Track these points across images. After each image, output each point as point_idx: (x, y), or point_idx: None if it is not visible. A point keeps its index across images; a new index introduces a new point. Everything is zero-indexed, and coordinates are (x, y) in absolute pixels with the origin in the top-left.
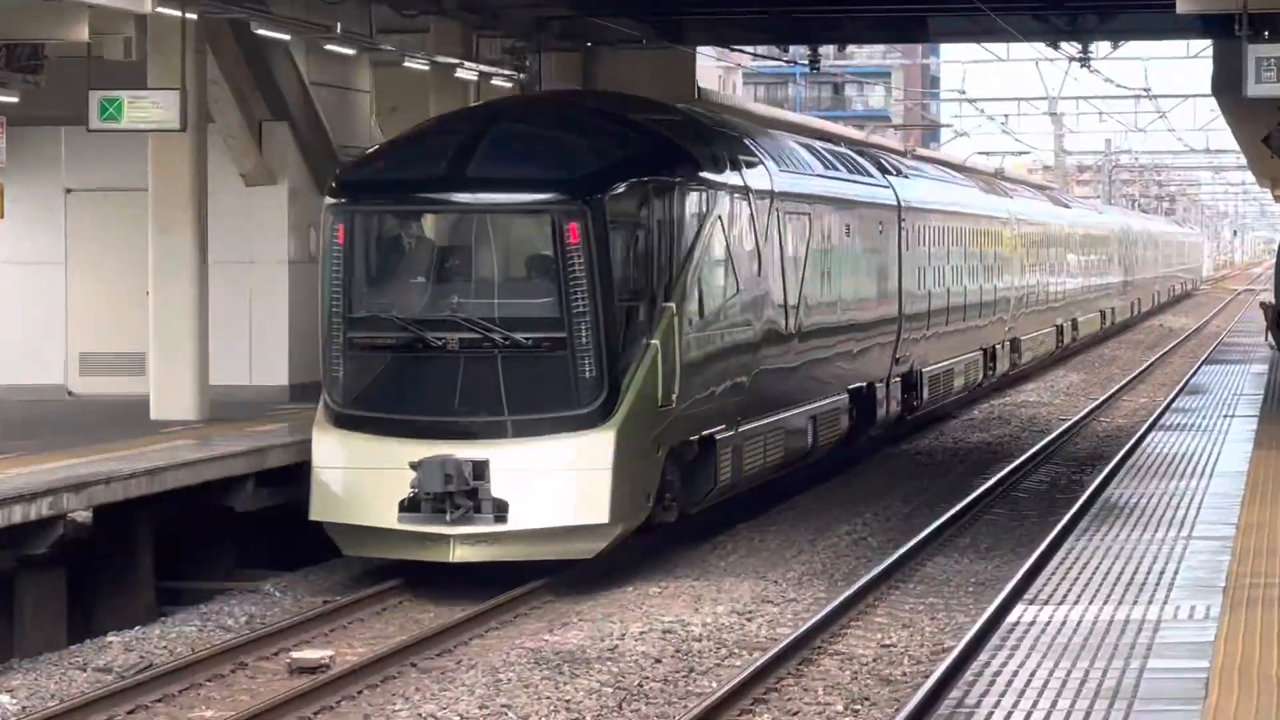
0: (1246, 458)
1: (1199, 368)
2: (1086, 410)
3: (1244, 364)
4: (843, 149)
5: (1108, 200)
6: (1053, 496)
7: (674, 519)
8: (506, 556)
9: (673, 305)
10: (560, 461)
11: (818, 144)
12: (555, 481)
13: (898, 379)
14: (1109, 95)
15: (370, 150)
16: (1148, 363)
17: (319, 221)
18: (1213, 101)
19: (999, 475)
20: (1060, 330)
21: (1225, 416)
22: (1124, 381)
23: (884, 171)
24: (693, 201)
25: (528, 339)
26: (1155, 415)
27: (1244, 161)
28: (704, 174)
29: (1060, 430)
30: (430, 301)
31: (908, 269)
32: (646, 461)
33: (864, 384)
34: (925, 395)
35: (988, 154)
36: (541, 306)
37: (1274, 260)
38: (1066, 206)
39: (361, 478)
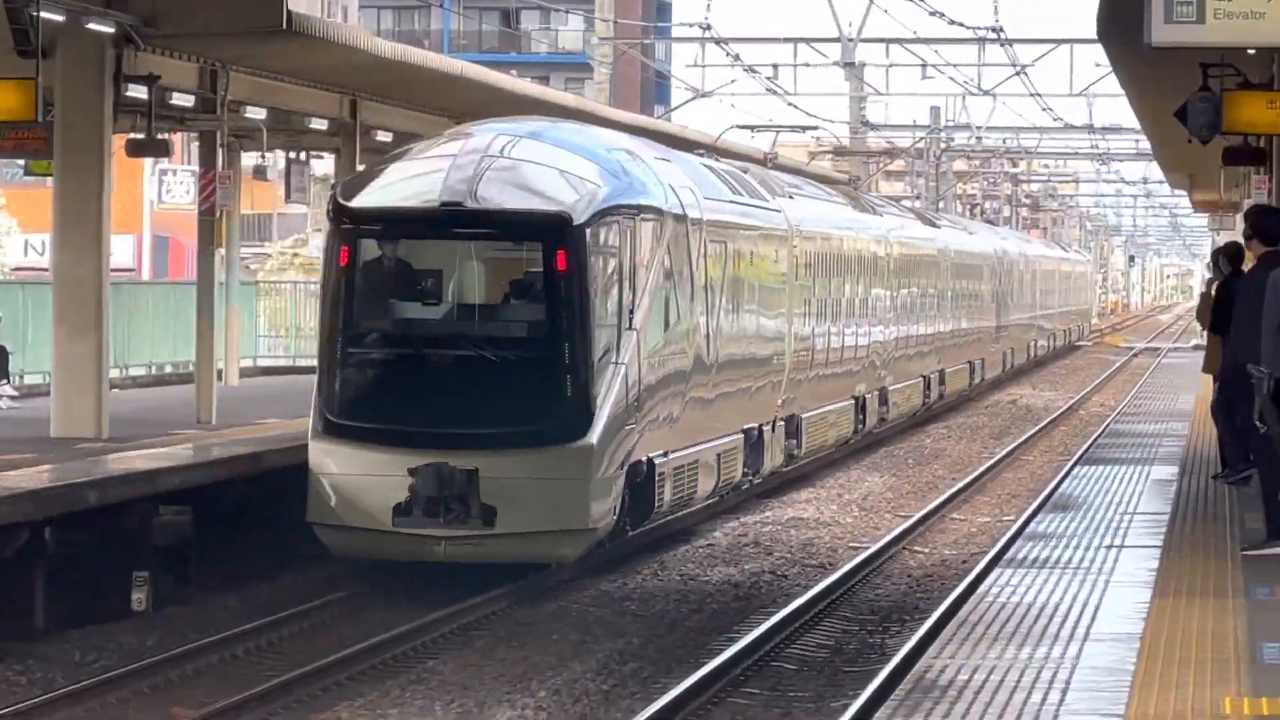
0: (1141, 612)
1: (1070, 469)
2: (893, 535)
3: (1141, 464)
4: (729, 166)
5: (934, 204)
6: (837, 670)
7: (628, 535)
8: (491, 558)
9: (636, 330)
10: (544, 471)
11: (715, 163)
12: (539, 489)
13: (782, 423)
14: (938, 38)
15: (368, 170)
16: (992, 460)
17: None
18: (1099, 52)
19: (753, 634)
20: (927, 383)
21: (1109, 547)
22: (954, 489)
23: (773, 193)
24: (651, 230)
25: (516, 357)
26: (1001, 544)
27: (1146, 147)
28: (656, 203)
29: (851, 566)
30: (426, 320)
31: (796, 301)
32: (614, 475)
33: (755, 425)
34: (804, 444)
35: (752, 129)
36: (530, 327)
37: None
38: (935, 226)
39: (357, 483)
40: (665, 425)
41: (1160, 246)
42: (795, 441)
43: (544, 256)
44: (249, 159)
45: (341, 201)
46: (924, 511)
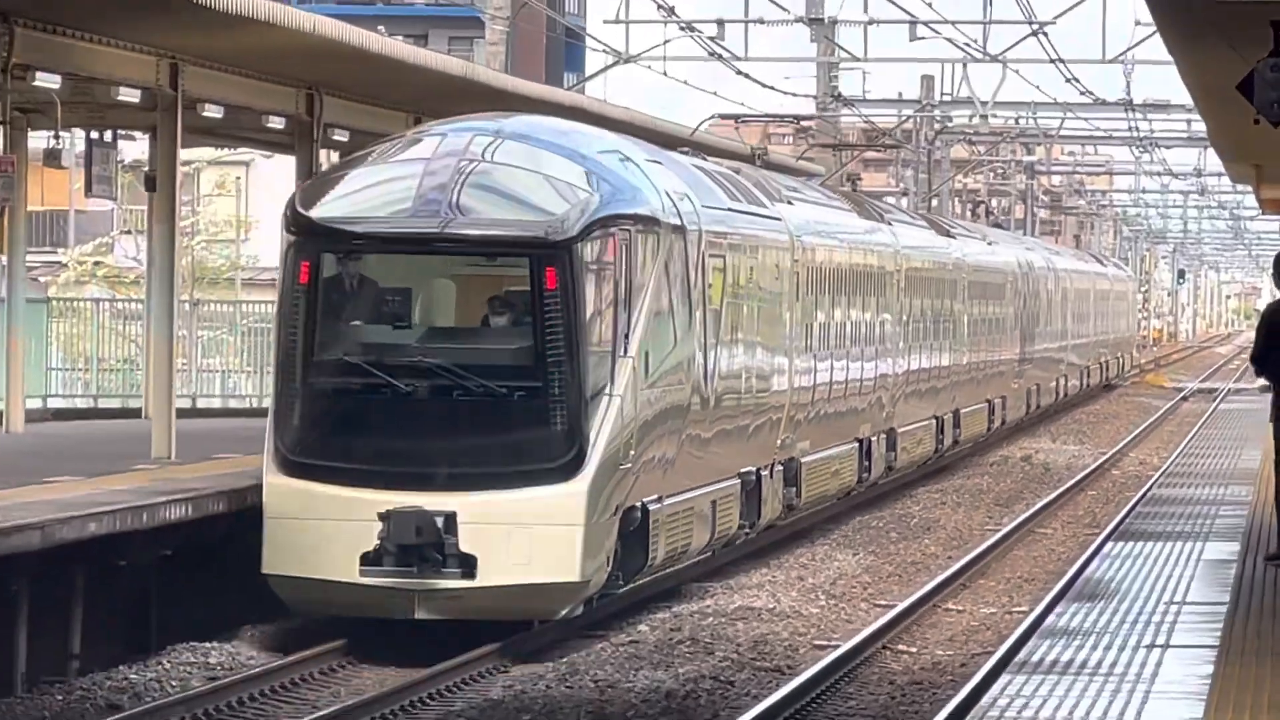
0: None
1: (1100, 546)
2: (871, 630)
3: (1191, 540)
4: (722, 167)
5: (925, 203)
6: None
7: (619, 591)
8: (473, 615)
9: (631, 358)
10: (531, 515)
11: (706, 163)
12: (526, 536)
13: (780, 467)
14: None
15: (327, 176)
16: (999, 533)
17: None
18: (1140, 7)
19: None
20: (940, 425)
21: (1150, 647)
22: (949, 571)
23: (771, 197)
24: (647, 244)
25: (501, 387)
26: (1011, 642)
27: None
28: (653, 213)
29: (816, 671)
30: (399, 345)
31: (798, 325)
32: (608, 521)
33: (753, 469)
34: (804, 493)
35: (737, 120)
36: (515, 354)
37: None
38: (949, 235)
39: (320, 528)
40: (660, 467)
41: (1218, 258)
42: (794, 490)
43: (531, 274)
44: (38, 140)
45: (301, 210)
46: (911, 600)
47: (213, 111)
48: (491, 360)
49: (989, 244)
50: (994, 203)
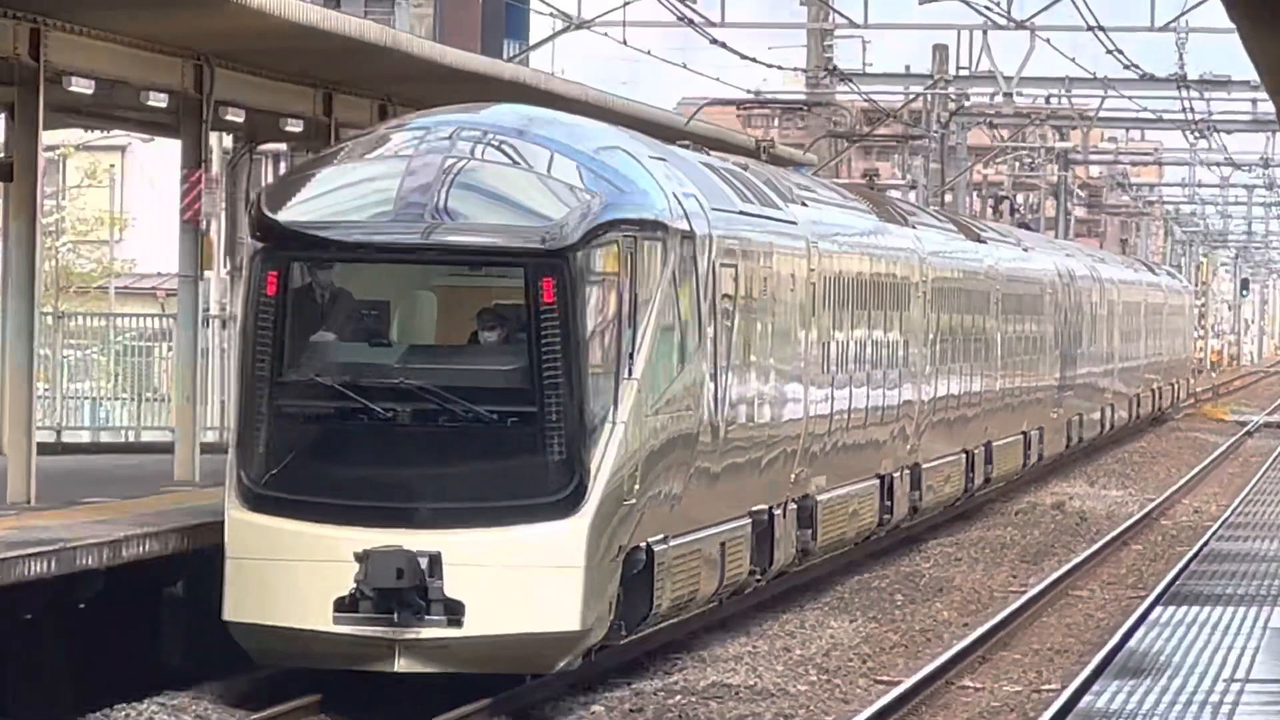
0: None
1: (1147, 612)
2: (871, 712)
3: (1256, 604)
4: (729, 163)
5: (938, 197)
6: None
7: (620, 642)
8: (459, 668)
9: (636, 380)
10: (526, 556)
11: (714, 159)
12: (520, 580)
13: (794, 506)
14: None
15: (295, 175)
16: (1025, 595)
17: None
18: None
19: None
20: (970, 461)
21: None
22: (965, 641)
23: (785, 198)
24: (654, 252)
25: (492, 413)
26: None
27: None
28: (659, 216)
29: None
30: (378, 366)
31: (815, 346)
32: (611, 563)
33: (765, 508)
34: (819, 535)
35: (738, 106)
36: (508, 375)
37: None
38: (980, 239)
39: (290, 570)
40: (666, 503)
41: None
42: (810, 532)
43: (527, 286)
44: None
45: (267, 214)
46: (919, 676)
47: (82, 86)
48: (481, 382)
49: (1024, 250)
50: (1020, 198)
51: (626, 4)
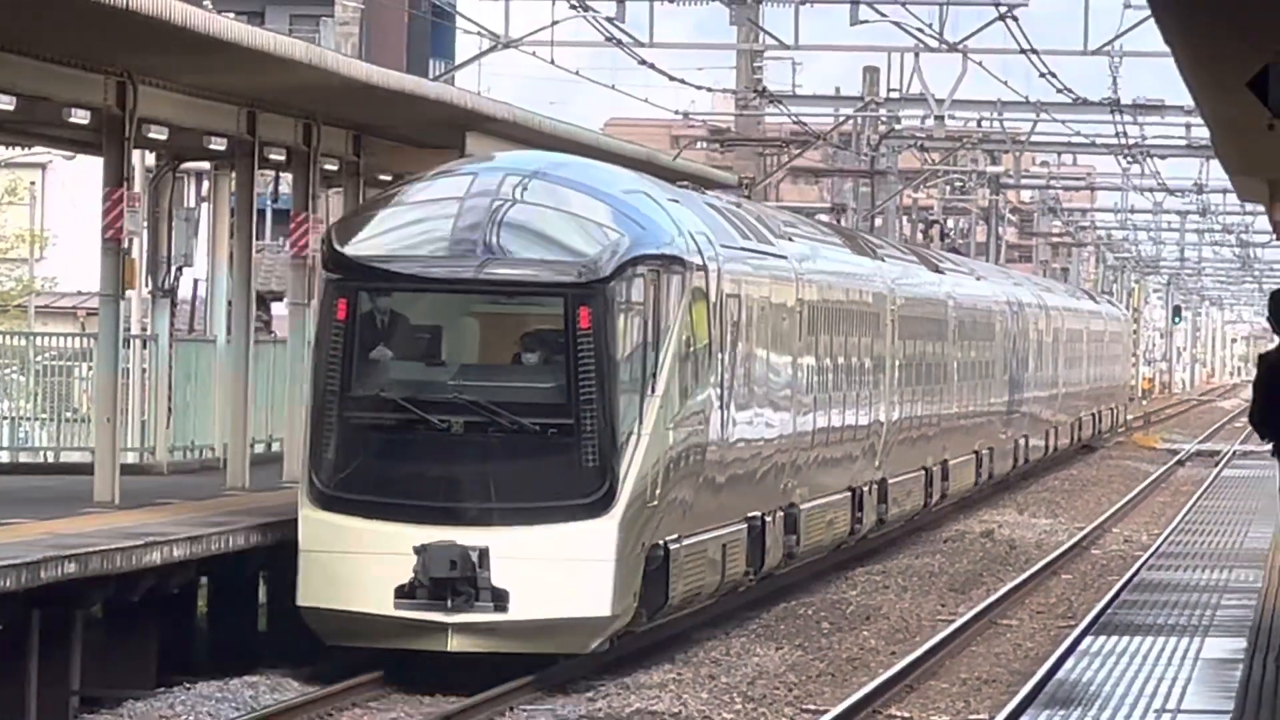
0: None
1: (1077, 642)
2: None
3: (1187, 634)
4: (726, 202)
5: (867, 221)
6: None
7: (640, 629)
8: (504, 648)
9: (659, 397)
10: (563, 551)
11: (717, 200)
12: (557, 571)
13: (782, 514)
14: None
15: (360, 214)
16: (953, 624)
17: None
18: None
19: None
20: (929, 477)
21: None
22: (892, 670)
23: (775, 234)
24: (674, 284)
25: (534, 424)
26: None
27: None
28: (678, 253)
29: None
30: (435, 382)
31: (802, 369)
32: (635, 558)
33: (759, 515)
34: (802, 540)
35: (722, 144)
36: (549, 392)
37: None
38: (939, 270)
39: (354, 562)
40: (680, 507)
41: (1222, 293)
42: (794, 537)
43: (566, 313)
44: None
45: (338, 248)
46: (845, 705)
47: (2, 103)
48: (525, 397)
49: (977, 279)
50: (950, 222)
51: (554, 23)
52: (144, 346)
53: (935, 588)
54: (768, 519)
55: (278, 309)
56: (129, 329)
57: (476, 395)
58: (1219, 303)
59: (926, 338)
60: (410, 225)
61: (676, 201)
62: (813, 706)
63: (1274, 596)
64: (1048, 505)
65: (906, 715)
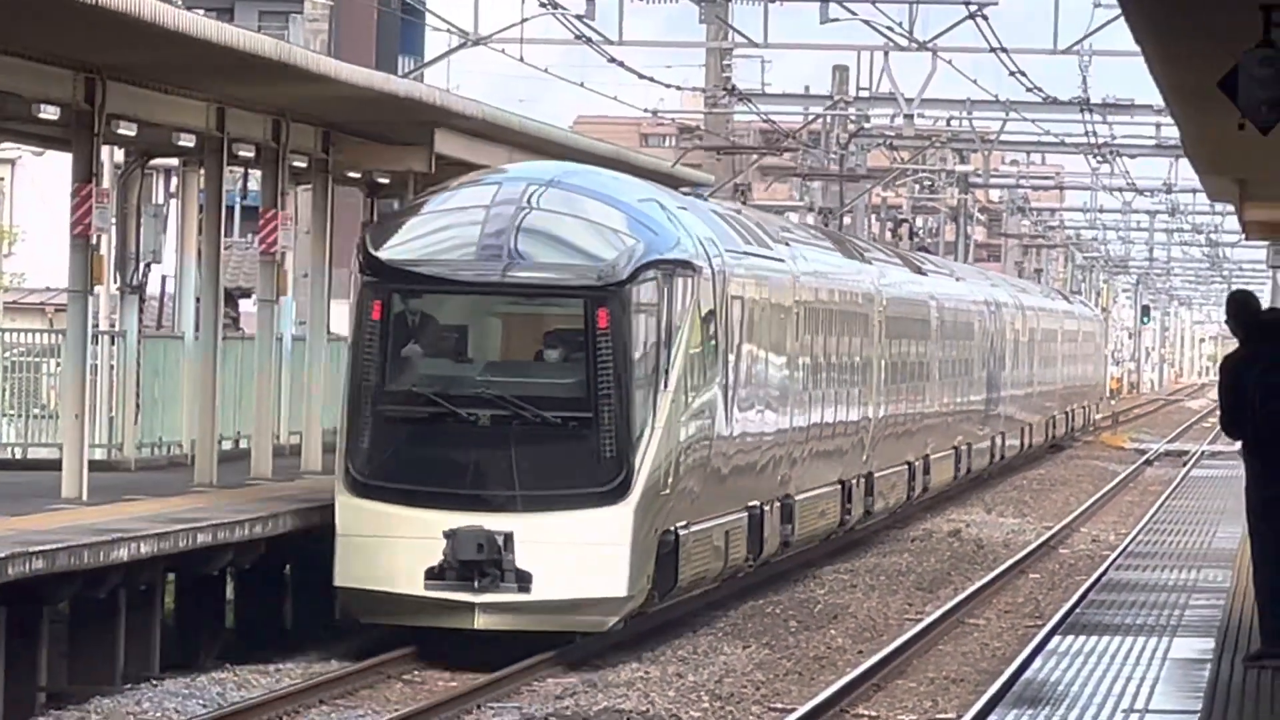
0: None
1: (1044, 642)
2: None
3: (1155, 634)
4: (725, 207)
5: (836, 219)
6: None
7: (653, 609)
8: (527, 626)
9: (671, 392)
10: (582, 535)
11: (720, 206)
12: (577, 554)
13: (778, 504)
14: None
15: (393, 220)
16: (921, 623)
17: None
18: None
19: None
20: (911, 472)
21: None
22: (859, 670)
23: (773, 239)
24: (684, 287)
25: (556, 417)
26: None
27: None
28: (688, 257)
29: None
30: (463, 378)
31: (798, 366)
32: (649, 542)
33: (758, 504)
34: (797, 530)
35: (719, 153)
36: (568, 387)
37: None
38: (921, 272)
39: (387, 546)
40: (689, 496)
41: (1191, 293)
42: (790, 526)
43: (585, 314)
44: None
45: (373, 252)
46: (813, 704)
47: None
48: (547, 392)
49: (957, 280)
50: (919, 221)
51: (524, 20)
52: (112, 343)
53: (903, 587)
54: (766, 509)
55: (246, 306)
56: (97, 325)
57: (502, 390)
58: (1188, 303)
59: (911, 337)
60: (440, 231)
61: (684, 209)
62: (780, 705)
63: (1242, 596)
64: (1015, 505)
65: (874, 714)
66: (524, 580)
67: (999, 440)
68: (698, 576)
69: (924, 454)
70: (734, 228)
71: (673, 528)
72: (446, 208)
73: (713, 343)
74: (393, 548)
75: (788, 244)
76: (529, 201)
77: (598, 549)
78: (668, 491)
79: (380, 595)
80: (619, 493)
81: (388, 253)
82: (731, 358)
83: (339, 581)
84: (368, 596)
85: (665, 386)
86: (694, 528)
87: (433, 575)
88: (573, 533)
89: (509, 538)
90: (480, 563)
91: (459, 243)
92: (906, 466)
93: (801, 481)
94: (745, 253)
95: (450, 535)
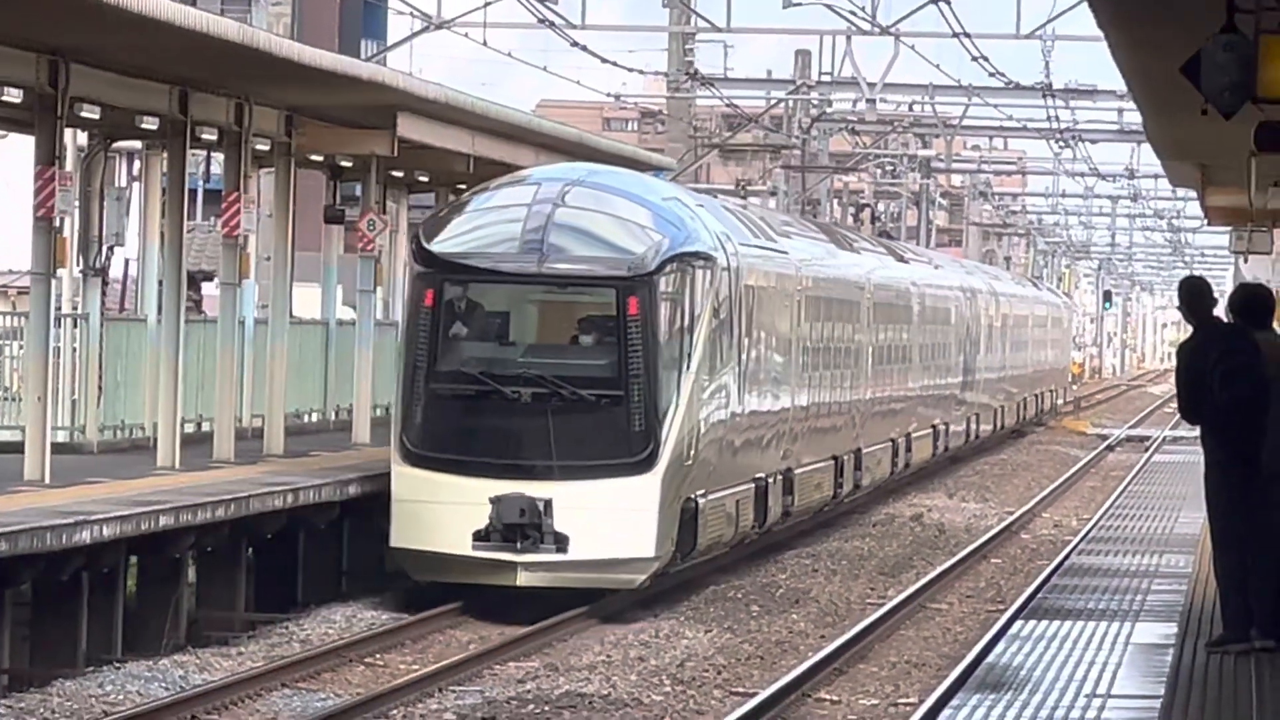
0: None
1: (1006, 626)
2: None
3: (1117, 619)
4: (732, 203)
5: (798, 204)
6: None
7: (675, 569)
8: (564, 583)
9: (693, 373)
10: (614, 501)
11: (729, 202)
12: (610, 518)
13: (781, 476)
14: None
15: (442, 216)
16: (883, 607)
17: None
18: None
19: None
20: (895, 448)
21: None
22: (822, 654)
23: (777, 233)
24: (704, 279)
25: (590, 395)
26: None
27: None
28: (707, 250)
29: None
30: (506, 359)
31: (799, 351)
32: (673, 508)
33: (764, 475)
34: (797, 500)
35: (722, 150)
36: (602, 367)
37: None
38: (904, 260)
39: (438, 510)
40: (706, 467)
41: (1153, 279)
42: (790, 497)
43: (617, 302)
44: None
45: (426, 246)
46: (775, 688)
47: None
48: (582, 372)
49: (935, 268)
50: (881, 206)
51: (487, 4)
52: (75, 325)
53: (865, 571)
54: (770, 481)
55: (208, 289)
56: (60, 308)
57: (542, 370)
58: (1150, 288)
59: (895, 323)
60: (486, 227)
61: (702, 206)
62: (742, 689)
63: (1204, 582)
64: (977, 489)
65: (835, 699)
66: (561, 542)
67: (973, 421)
68: (713, 540)
69: (907, 432)
70: (744, 223)
71: (692, 496)
72: (490, 205)
73: (728, 329)
74: (443, 512)
75: (789, 237)
76: (565, 200)
77: (628, 514)
78: (690, 463)
79: (431, 555)
80: (647, 463)
81: (439, 246)
82: (744, 343)
83: (394, 543)
84: (420, 556)
85: (688, 368)
86: (710, 496)
87: (479, 537)
88: (606, 499)
89: (548, 503)
90: (522, 526)
91: (503, 237)
92: (891, 444)
93: (800, 456)
94: (755, 246)
95: (495, 501)
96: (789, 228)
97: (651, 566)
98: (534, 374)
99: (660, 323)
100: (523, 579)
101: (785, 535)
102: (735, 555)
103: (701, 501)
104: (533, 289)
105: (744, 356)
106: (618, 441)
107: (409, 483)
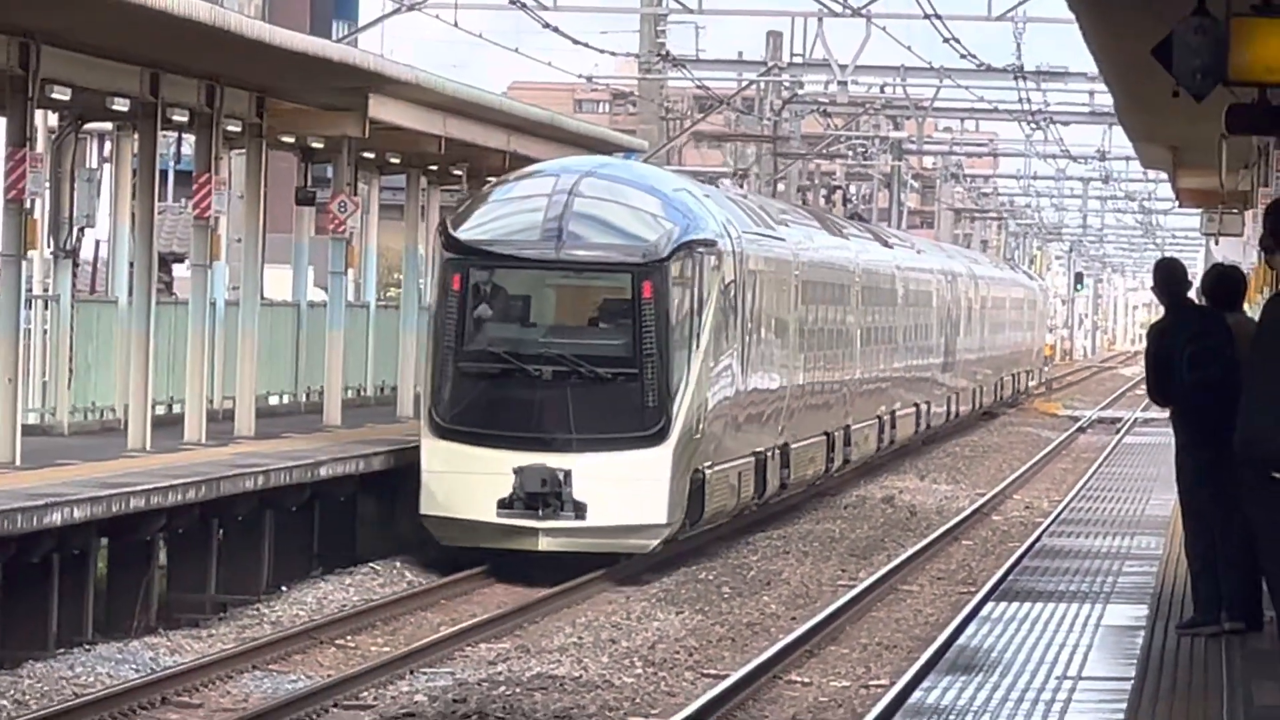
0: None
1: (978, 608)
2: (697, 706)
3: (1088, 601)
4: (734, 193)
5: (769, 186)
6: None
7: (684, 536)
8: (582, 548)
9: (701, 353)
10: (629, 472)
11: (731, 191)
12: (625, 487)
13: (778, 451)
14: None
15: (469, 205)
16: (854, 589)
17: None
18: None
19: None
20: (881, 424)
21: None
22: (793, 635)
23: (775, 221)
24: (712, 264)
25: (607, 373)
26: None
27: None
28: (715, 237)
29: None
30: (529, 339)
31: (796, 332)
32: (683, 479)
33: (763, 450)
34: (793, 473)
35: (713, 141)
36: (618, 347)
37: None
38: (888, 245)
39: (465, 480)
40: (713, 440)
41: (1124, 260)
42: (787, 471)
43: (632, 286)
44: None
45: (453, 233)
46: (746, 670)
47: None
48: (600, 352)
49: (918, 252)
50: (852, 188)
51: None
52: (45, 307)
53: (836, 553)
54: (768, 454)
55: (179, 270)
56: (30, 289)
57: (561, 350)
58: (1121, 270)
59: (881, 305)
60: (509, 216)
61: (708, 195)
62: (713, 671)
63: (1175, 564)
64: (949, 471)
65: (807, 680)
66: (580, 509)
67: (953, 400)
68: (718, 510)
69: (891, 410)
70: (746, 211)
71: (700, 468)
72: (512, 196)
73: (733, 311)
74: (469, 482)
75: (787, 224)
76: (581, 190)
77: (642, 483)
78: (699, 436)
79: (458, 521)
80: (660, 436)
81: (465, 234)
82: (747, 325)
83: (424, 510)
84: (448, 523)
85: (697, 348)
86: (716, 468)
87: (504, 505)
88: (621, 470)
89: (568, 474)
90: (544, 495)
91: (525, 225)
92: (877, 421)
93: (796, 432)
94: (756, 233)
95: (519, 471)
96: (786, 215)
97: (664, 533)
98: (554, 353)
99: (672, 306)
100: (544, 544)
101: (780, 507)
102: (735, 524)
103: (708, 473)
104: (552, 274)
105: (747, 338)
106: (633, 416)
107: (438, 454)
